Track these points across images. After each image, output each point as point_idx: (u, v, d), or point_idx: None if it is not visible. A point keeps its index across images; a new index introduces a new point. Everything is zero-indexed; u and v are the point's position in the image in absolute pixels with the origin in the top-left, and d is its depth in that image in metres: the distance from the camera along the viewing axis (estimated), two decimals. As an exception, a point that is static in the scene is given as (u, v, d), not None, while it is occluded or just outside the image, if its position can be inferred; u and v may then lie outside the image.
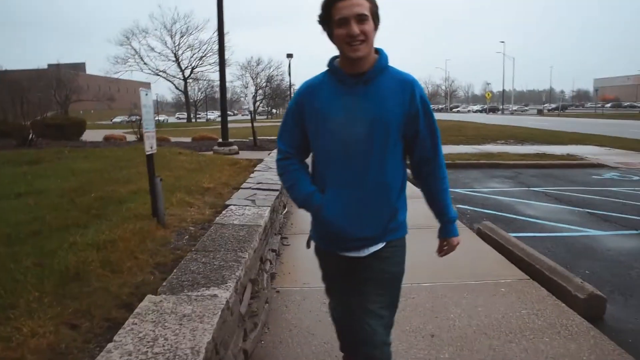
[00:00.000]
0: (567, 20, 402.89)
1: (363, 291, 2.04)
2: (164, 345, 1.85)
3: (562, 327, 3.30)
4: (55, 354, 1.98)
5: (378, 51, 1.95)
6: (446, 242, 2.17)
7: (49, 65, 75.86)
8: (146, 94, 3.60)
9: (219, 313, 2.16)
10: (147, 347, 1.83)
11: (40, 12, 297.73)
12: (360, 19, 1.78)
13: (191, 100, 70.10)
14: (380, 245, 2.01)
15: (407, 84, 1.92)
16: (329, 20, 1.85)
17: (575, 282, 3.96)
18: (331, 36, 1.89)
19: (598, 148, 17.13)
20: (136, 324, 2.04)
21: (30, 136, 12.71)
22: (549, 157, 13.94)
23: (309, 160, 2.16)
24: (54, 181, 5.96)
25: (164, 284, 2.52)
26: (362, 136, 1.88)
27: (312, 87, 2.00)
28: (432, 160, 2.04)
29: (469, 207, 7.93)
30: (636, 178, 10.93)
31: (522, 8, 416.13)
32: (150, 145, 3.75)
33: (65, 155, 9.32)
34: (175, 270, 2.74)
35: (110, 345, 1.86)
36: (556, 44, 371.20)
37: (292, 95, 2.26)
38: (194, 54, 62.55)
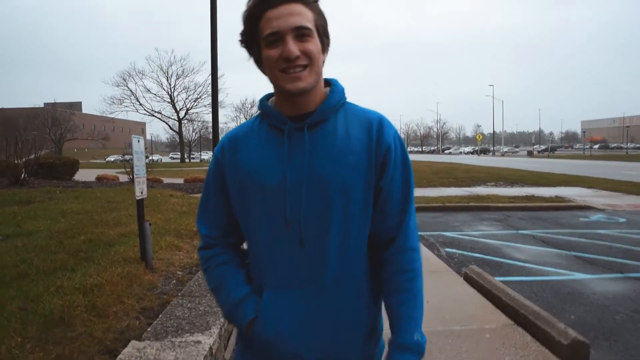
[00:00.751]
0: (555, 64, 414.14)
1: None
2: (144, 393, 1.87)
3: (544, 373, 3.32)
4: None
5: (329, 82, 1.38)
6: None
7: (46, 104, 76.81)
8: (138, 141, 3.71)
9: (202, 359, 2.19)
10: (128, 395, 1.86)
11: (40, 52, 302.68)
12: (301, 33, 1.23)
13: (185, 141, 70.64)
14: None
15: (371, 124, 1.32)
16: (256, 37, 1.28)
17: (558, 327, 3.99)
18: (260, 63, 1.31)
19: (586, 190, 17.34)
20: (118, 371, 2.07)
21: (23, 175, 12.76)
22: (537, 200, 14.08)
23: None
24: (44, 222, 5.99)
25: (149, 329, 2.55)
26: (313, 209, 1.27)
27: (235, 139, 1.38)
28: (395, 240, 1.35)
29: (457, 251, 7.98)
30: (622, 220, 11.04)
31: (510, 52, 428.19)
32: (140, 190, 3.83)
33: (57, 196, 9.37)
34: (160, 316, 2.78)
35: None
36: (544, 86, 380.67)
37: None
38: (189, 96, 63.52)
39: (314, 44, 1.25)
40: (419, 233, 1.39)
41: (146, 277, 3.71)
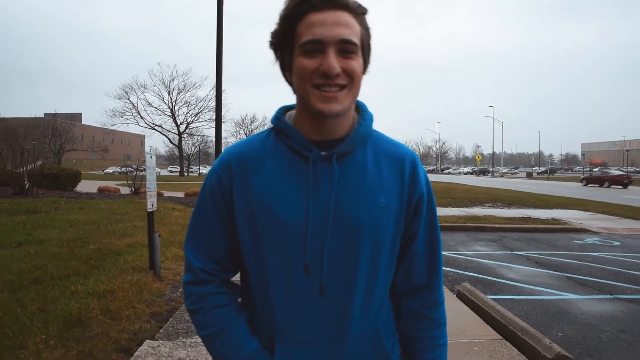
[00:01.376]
0: (555, 86, 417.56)
1: None
2: (162, 384, 2.09)
3: (528, 384, 3.52)
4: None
5: (359, 106, 1.22)
6: None
7: (46, 114, 77.35)
8: (151, 157, 3.96)
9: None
10: (147, 385, 2.07)
11: (42, 63, 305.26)
12: (346, 49, 1.06)
13: (184, 154, 70.92)
14: None
15: (405, 160, 1.20)
16: (290, 40, 1.09)
17: (544, 342, 4.20)
18: (288, 69, 1.14)
19: (582, 213, 17.53)
20: (136, 365, 2.29)
21: (27, 185, 12.98)
22: (533, 221, 14.27)
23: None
24: (53, 231, 6.21)
25: (161, 331, 2.78)
26: (338, 253, 1.12)
27: (245, 159, 1.17)
28: (424, 290, 1.26)
29: (451, 269, 8.19)
30: (616, 243, 11.22)
31: (511, 74, 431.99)
32: (151, 203, 4.07)
33: (62, 206, 9.60)
34: (171, 319, 3.00)
35: (113, 383, 2.10)
36: (545, 108, 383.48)
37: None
38: (189, 110, 63.88)
39: (357, 63, 1.08)
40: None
41: (155, 285, 3.92)
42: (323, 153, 1.12)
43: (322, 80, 1.05)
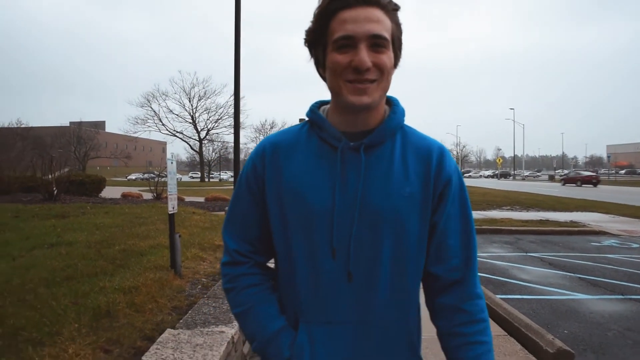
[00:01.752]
0: (579, 86, 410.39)
1: None
2: (181, 364, 2.36)
3: (527, 375, 3.69)
4: (93, 371, 2.49)
5: (390, 101, 1.26)
6: None
7: (71, 123, 79.26)
8: (172, 162, 4.25)
9: (225, 344, 2.67)
10: (168, 365, 2.34)
11: (68, 73, 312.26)
12: (377, 43, 1.11)
13: (205, 160, 71.79)
14: None
15: (432, 151, 1.22)
16: (323, 37, 1.15)
17: (547, 338, 4.36)
18: (322, 66, 1.20)
19: (603, 215, 17.37)
20: (159, 349, 2.57)
21: (55, 191, 13.51)
22: (550, 224, 14.23)
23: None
24: (81, 234, 6.58)
25: (181, 321, 3.06)
26: (363, 240, 1.16)
27: (278, 147, 1.24)
28: (459, 284, 1.24)
29: (464, 270, 8.34)
30: (635, 246, 11.15)
31: (532, 74, 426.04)
32: (172, 206, 4.36)
33: (88, 211, 10.03)
34: (190, 312, 3.28)
35: (139, 363, 2.37)
36: (568, 109, 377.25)
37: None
38: (210, 117, 64.75)
39: (388, 57, 1.13)
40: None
41: (175, 282, 4.21)
42: (352, 143, 1.17)
43: (354, 76, 1.10)
